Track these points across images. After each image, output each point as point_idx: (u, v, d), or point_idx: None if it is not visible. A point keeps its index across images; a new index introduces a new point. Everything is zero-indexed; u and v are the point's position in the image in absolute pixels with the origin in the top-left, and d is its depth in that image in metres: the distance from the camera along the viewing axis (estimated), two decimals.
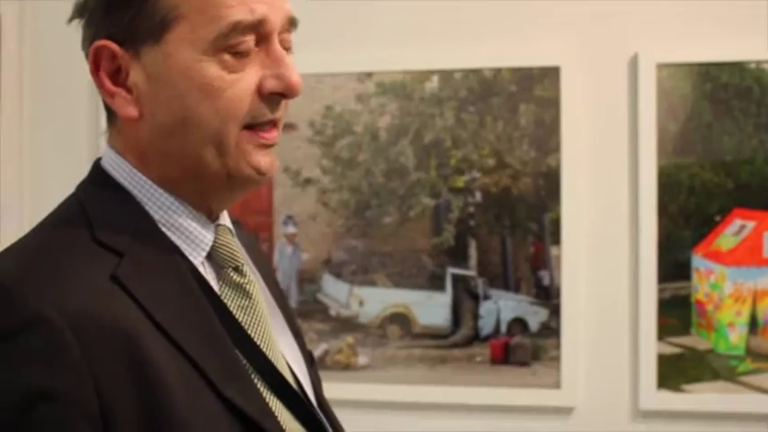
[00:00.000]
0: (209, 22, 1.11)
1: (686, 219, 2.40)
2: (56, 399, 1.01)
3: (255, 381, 1.15)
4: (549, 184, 2.46)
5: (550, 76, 2.45)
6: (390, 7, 2.53)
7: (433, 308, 2.52)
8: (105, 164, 1.20)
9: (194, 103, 1.12)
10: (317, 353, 2.53)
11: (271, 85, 1.14)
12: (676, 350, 2.41)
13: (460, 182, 2.50)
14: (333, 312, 2.57)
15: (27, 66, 2.68)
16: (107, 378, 1.03)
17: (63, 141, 2.63)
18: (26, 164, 2.67)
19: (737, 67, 2.38)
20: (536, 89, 2.47)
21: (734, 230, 2.39)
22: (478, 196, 2.50)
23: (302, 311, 2.56)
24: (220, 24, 1.11)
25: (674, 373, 2.40)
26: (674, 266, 2.41)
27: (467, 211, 2.50)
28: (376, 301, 2.55)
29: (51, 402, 1.01)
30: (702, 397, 2.39)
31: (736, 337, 2.38)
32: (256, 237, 2.57)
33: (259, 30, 1.13)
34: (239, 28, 1.12)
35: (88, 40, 1.16)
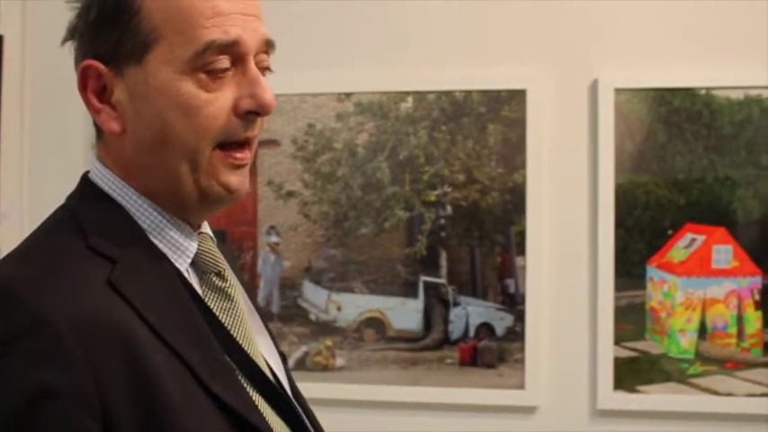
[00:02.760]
0: (185, 42, 1.12)
1: (641, 232, 2.42)
2: (60, 398, 1.01)
3: (239, 377, 1.15)
4: (515, 199, 2.47)
5: (517, 98, 2.47)
6: (368, 32, 2.55)
7: (406, 313, 2.53)
8: (93, 176, 1.20)
9: (172, 120, 1.12)
10: (297, 355, 2.53)
11: (245, 104, 1.14)
12: (632, 354, 2.42)
13: (432, 196, 2.51)
14: (312, 317, 2.57)
15: (28, 83, 2.67)
16: (108, 377, 1.03)
17: (61, 154, 2.63)
18: (26, 175, 2.66)
19: (689, 93, 2.40)
20: (503, 110, 2.48)
21: (685, 243, 2.40)
22: (449, 209, 2.50)
23: (284, 316, 2.56)
24: (196, 44, 1.11)
25: (630, 375, 2.41)
26: (629, 276, 2.42)
27: (438, 223, 2.51)
28: (353, 306, 2.55)
29: (56, 401, 1.01)
30: (655, 397, 2.41)
31: (687, 342, 2.40)
32: (240, 246, 2.56)
33: (234, 51, 1.13)
34: (213, 47, 1.12)
35: (78, 60, 1.17)
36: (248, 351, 1.18)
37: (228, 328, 1.18)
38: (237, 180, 1.17)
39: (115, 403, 1.03)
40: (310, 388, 2.67)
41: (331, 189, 2.56)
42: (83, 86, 1.16)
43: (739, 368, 2.39)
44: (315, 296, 2.57)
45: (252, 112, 1.15)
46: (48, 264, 1.10)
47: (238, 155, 1.16)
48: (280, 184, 2.58)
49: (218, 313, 1.19)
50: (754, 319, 2.38)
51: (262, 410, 1.15)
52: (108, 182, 1.18)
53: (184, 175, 1.14)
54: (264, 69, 1.19)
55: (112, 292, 1.08)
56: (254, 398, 1.16)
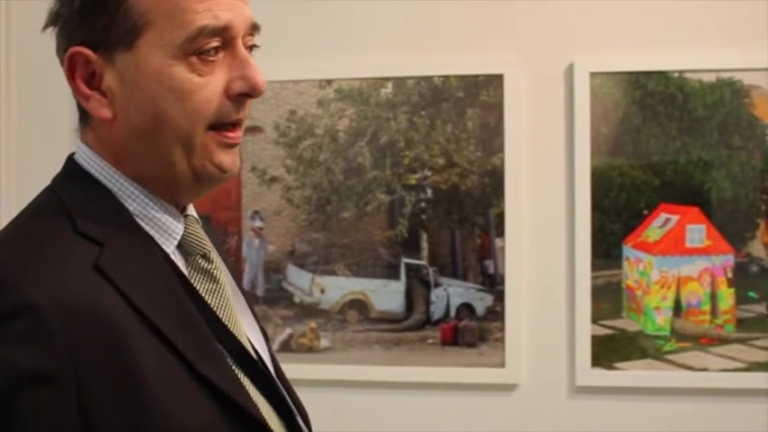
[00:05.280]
0: (176, 27, 1.10)
1: (617, 213, 2.42)
2: (40, 382, 1.00)
3: (227, 358, 1.14)
4: (494, 182, 2.47)
5: (494, 83, 2.46)
6: (349, 20, 2.53)
7: (388, 295, 2.53)
8: (79, 159, 1.18)
9: (166, 105, 1.11)
10: (282, 337, 2.53)
11: (237, 86, 1.13)
12: (609, 332, 2.43)
13: (413, 179, 2.51)
14: (297, 299, 2.57)
15: (13, 68, 2.64)
16: (87, 363, 1.02)
17: (48, 138, 2.60)
18: (13, 160, 2.64)
19: (663, 76, 2.40)
20: (481, 95, 2.47)
21: (660, 223, 2.41)
22: (429, 193, 2.50)
23: (269, 299, 2.55)
24: (187, 29, 1.10)
25: (607, 352, 2.42)
26: (606, 256, 2.42)
27: (419, 206, 2.51)
28: (336, 288, 2.55)
29: (35, 385, 1.00)
30: (632, 374, 2.42)
31: (662, 319, 2.41)
32: (225, 231, 2.55)
33: (224, 35, 1.12)
34: (205, 32, 1.10)
35: (63, 47, 1.14)
36: (234, 332, 1.17)
37: (215, 309, 1.17)
38: (230, 159, 1.16)
39: (94, 390, 1.02)
40: (295, 369, 2.68)
41: (313, 174, 2.55)
42: (71, 74, 1.14)
43: (713, 344, 2.40)
44: (299, 279, 2.57)
45: (243, 94, 1.14)
46: (34, 247, 1.08)
47: (231, 134, 1.15)
48: (263, 169, 2.57)
49: (204, 295, 1.17)
50: (727, 296, 2.39)
51: (247, 390, 1.14)
52: (95, 165, 1.16)
53: (178, 159, 1.13)
54: (251, 48, 1.18)
55: (99, 275, 1.07)
56: (240, 378, 1.14)
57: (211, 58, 1.12)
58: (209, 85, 1.12)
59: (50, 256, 1.07)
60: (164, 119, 1.11)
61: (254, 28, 1.17)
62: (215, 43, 1.12)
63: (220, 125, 1.14)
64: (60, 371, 1.01)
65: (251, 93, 1.14)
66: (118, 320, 1.05)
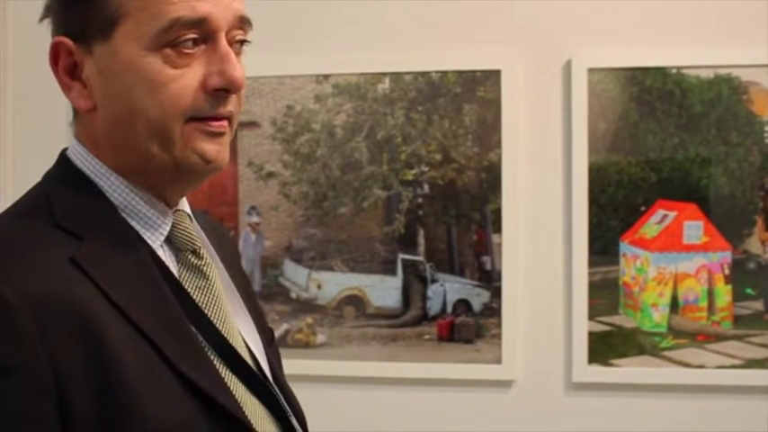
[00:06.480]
0: (151, 18, 1.08)
1: (614, 209, 2.41)
2: (12, 374, 0.98)
3: (211, 357, 1.11)
4: (491, 178, 2.46)
5: (492, 78, 2.45)
6: (346, 15, 2.52)
7: (385, 290, 2.52)
8: (70, 154, 1.17)
9: (139, 97, 1.09)
10: (278, 332, 2.51)
11: (214, 81, 1.10)
12: (606, 328, 2.42)
13: (410, 175, 2.50)
14: (293, 295, 2.56)
15: (11, 62, 2.63)
16: (62, 356, 1.00)
17: (46, 133, 2.59)
18: (10, 155, 2.63)
19: (660, 73, 2.38)
20: (479, 91, 2.46)
21: (657, 220, 2.40)
22: (426, 188, 2.50)
23: (265, 294, 2.54)
24: (161, 20, 1.07)
25: (604, 348, 2.41)
26: (603, 252, 2.41)
27: (416, 201, 2.50)
28: (333, 284, 2.54)
29: (8, 377, 0.98)
30: (629, 370, 2.41)
31: (659, 316, 2.40)
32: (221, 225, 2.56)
33: (203, 28, 1.09)
34: (179, 24, 1.08)
35: (53, 37, 1.14)
36: (222, 329, 1.15)
37: (202, 306, 1.15)
38: (214, 149, 1.12)
39: (69, 382, 1.00)
40: (292, 364, 2.68)
41: (310, 169, 2.54)
42: (54, 64, 1.13)
43: (710, 341, 2.39)
44: (295, 275, 2.56)
45: (221, 89, 1.11)
46: (9, 242, 1.07)
47: (214, 123, 1.12)
48: (260, 164, 2.56)
49: (191, 291, 1.15)
50: (724, 293, 2.39)
51: (234, 389, 1.12)
52: (82, 159, 1.15)
53: (156, 152, 1.10)
54: (240, 43, 1.15)
55: (75, 269, 1.05)
56: (226, 377, 1.12)
57: (188, 51, 1.09)
58: (184, 78, 1.09)
59: (25, 250, 1.05)
60: (137, 110, 1.09)
61: (242, 22, 1.13)
62: (192, 35, 1.09)
63: (201, 118, 1.11)
64: (31, 362, 0.99)
65: (228, 88, 1.11)
66: (93, 313, 1.03)
